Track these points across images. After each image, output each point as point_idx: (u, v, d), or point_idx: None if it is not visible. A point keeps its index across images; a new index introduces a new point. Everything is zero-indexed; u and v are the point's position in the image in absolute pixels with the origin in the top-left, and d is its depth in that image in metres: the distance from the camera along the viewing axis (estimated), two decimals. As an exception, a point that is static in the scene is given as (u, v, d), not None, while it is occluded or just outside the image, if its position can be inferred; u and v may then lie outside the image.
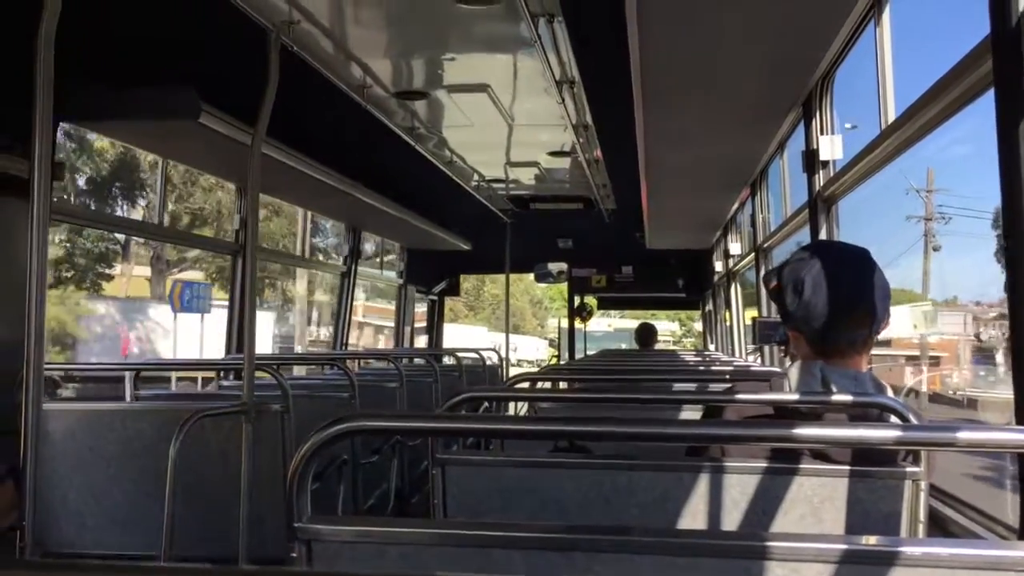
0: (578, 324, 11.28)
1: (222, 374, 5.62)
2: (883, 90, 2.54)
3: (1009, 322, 1.55)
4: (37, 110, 2.23)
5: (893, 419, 1.76)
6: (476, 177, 7.04)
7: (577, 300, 10.92)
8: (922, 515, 1.74)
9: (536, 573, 1.31)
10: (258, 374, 3.40)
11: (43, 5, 2.23)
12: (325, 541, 1.33)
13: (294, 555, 1.32)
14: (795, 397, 1.97)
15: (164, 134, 4.08)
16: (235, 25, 3.21)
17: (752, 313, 6.29)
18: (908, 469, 1.75)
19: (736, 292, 7.04)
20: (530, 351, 43.65)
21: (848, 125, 3.39)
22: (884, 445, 1.46)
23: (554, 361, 15.57)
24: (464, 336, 29.26)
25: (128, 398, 4.10)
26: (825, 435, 1.42)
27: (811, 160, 3.32)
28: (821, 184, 3.26)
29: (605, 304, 12.35)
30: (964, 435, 1.26)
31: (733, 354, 6.88)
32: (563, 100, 4.40)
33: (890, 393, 1.94)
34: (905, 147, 2.37)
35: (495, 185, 7.40)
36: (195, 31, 3.58)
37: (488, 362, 7.95)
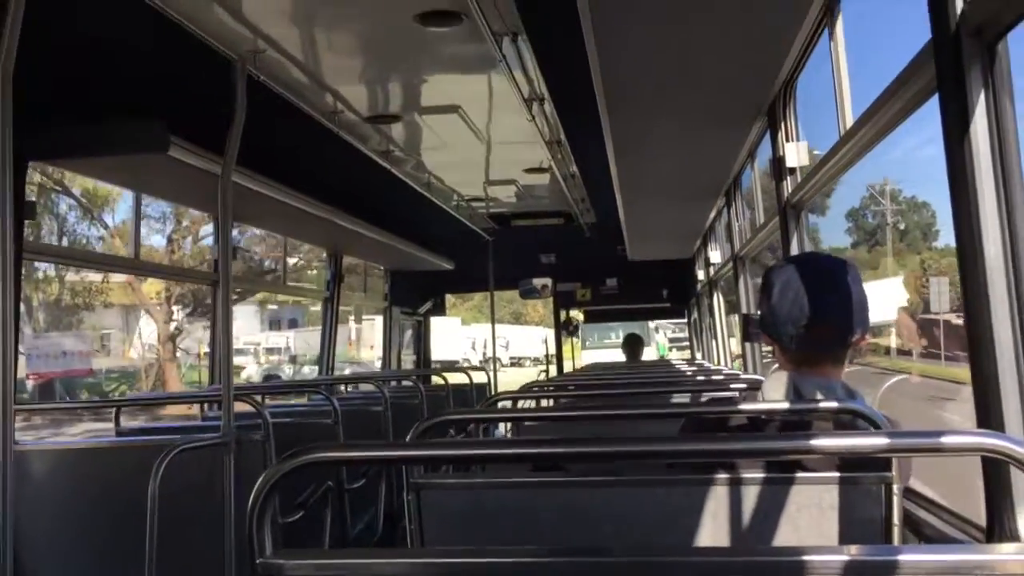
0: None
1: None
2: (840, 96, 2.56)
3: (965, 323, 1.55)
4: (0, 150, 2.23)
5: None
6: (455, 197, 7.03)
7: (563, 315, 10.90)
8: (896, 519, 1.74)
9: None
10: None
11: None
12: None
13: None
14: (765, 407, 1.99)
15: (134, 168, 4.06)
16: (200, 56, 3.20)
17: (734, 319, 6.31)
18: (881, 475, 1.75)
19: (718, 300, 7.05)
20: (532, 346, 35.28)
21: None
22: (842, 452, 1.46)
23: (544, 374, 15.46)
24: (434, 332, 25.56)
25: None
26: (785, 446, 1.43)
27: (779, 167, 3.33)
28: (789, 191, 3.27)
29: (591, 318, 12.33)
30: (924, 440, 1.26)
31: (718, 363, 6.88)
32: (534, 117, 4.40)
33: (865, 401, 1.95)
34: (864, 151, 2.39)
35: (475, 204, 7.39)
36: (160, 64, 3.57)
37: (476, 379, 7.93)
